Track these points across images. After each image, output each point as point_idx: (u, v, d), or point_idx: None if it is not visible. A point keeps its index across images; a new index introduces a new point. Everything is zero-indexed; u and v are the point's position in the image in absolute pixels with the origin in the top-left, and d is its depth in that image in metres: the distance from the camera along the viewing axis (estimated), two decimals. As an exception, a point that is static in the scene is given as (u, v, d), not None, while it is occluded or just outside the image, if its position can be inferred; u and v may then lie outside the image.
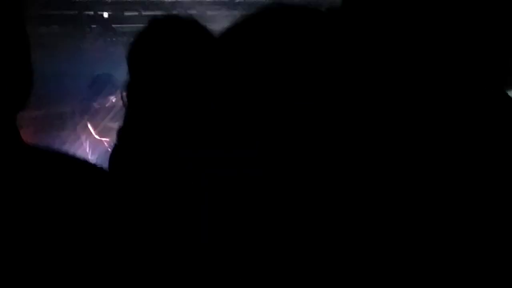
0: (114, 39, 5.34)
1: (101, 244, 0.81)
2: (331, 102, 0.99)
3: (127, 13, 5.28)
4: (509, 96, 1.03)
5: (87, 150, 4.29)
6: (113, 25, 5.37)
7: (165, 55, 1.63)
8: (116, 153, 1.71)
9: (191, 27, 1.69)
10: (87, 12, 5.27)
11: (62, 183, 0.81)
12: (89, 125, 4.26)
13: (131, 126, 1.66)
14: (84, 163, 0.90)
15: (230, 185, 0.96)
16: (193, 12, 5.16)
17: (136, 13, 5.26)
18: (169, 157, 1.29)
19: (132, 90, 1.68)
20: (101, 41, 5.25)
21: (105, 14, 5.32)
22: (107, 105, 4.19)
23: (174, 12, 5.01)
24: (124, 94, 1.72)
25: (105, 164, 1.69)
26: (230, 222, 0.95)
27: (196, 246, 0.93)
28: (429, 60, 1.00)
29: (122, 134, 1.68)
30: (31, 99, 0.83)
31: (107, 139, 3.75)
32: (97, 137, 3.99)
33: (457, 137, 0.98)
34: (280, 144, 0.96)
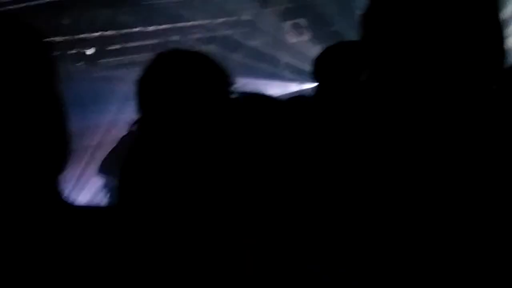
0: (100, 74, 5.34)
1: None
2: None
3: (110, 47, 5.29)
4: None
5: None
6: (97, 61, 5.38)
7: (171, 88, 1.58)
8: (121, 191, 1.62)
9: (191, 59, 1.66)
10: (70, 52, 5.27)
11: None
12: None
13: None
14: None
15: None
16: (175, 38, 5.23)
17: (118, 46, 5.27)
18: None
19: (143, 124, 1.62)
20: (87, 77, 5.26)
21: (88, 51, 5.33)
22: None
23: (157, 40, 5.05)
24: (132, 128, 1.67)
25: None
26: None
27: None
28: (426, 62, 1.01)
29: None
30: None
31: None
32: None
33: (455, 137, 0.99)
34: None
